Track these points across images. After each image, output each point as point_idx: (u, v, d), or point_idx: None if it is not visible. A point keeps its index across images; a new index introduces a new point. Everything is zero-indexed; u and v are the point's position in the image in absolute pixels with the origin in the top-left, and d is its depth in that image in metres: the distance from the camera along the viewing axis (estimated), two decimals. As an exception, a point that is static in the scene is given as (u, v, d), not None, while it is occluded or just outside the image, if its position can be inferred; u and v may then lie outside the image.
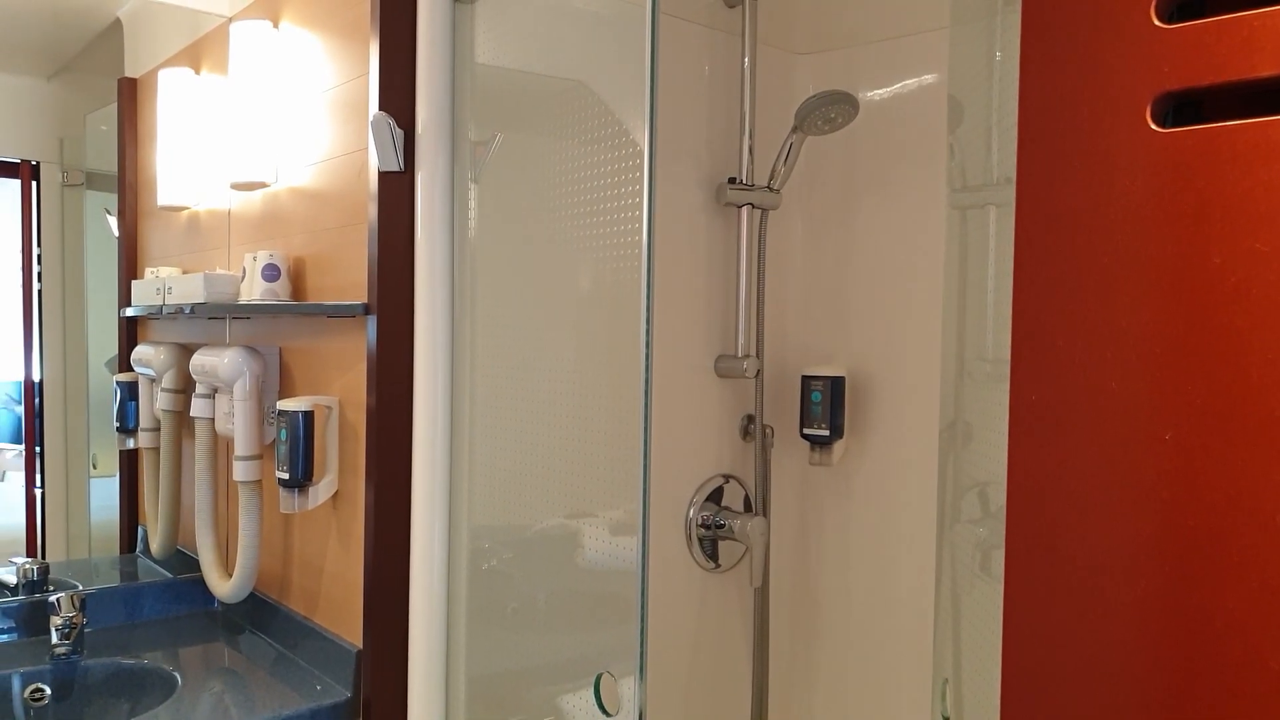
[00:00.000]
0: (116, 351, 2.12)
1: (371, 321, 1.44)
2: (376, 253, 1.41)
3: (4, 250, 1.98)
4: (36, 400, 2.03)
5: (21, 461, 2.01)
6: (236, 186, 1.71)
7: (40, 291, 2.05)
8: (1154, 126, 0.61)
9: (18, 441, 2.01)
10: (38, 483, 2.00)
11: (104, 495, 2.07)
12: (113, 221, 2.13)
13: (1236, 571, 0.56)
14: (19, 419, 2.01)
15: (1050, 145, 0.66)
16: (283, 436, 1.53)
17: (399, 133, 1.38)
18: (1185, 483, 0.58)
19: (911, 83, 1.65)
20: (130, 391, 2.05)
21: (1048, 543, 0.64)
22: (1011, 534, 0.64)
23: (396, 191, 1.41)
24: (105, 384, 2.07)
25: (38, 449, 2.01)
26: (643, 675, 1.10)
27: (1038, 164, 0.66)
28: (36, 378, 2.05)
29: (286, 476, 1.53)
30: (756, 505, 1.74)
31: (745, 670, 1.78)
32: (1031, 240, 0.65)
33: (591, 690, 1.15)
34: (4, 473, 2.02)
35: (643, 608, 1.10)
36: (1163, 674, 0.59)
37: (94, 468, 2.11)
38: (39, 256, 2.05)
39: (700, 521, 1.72)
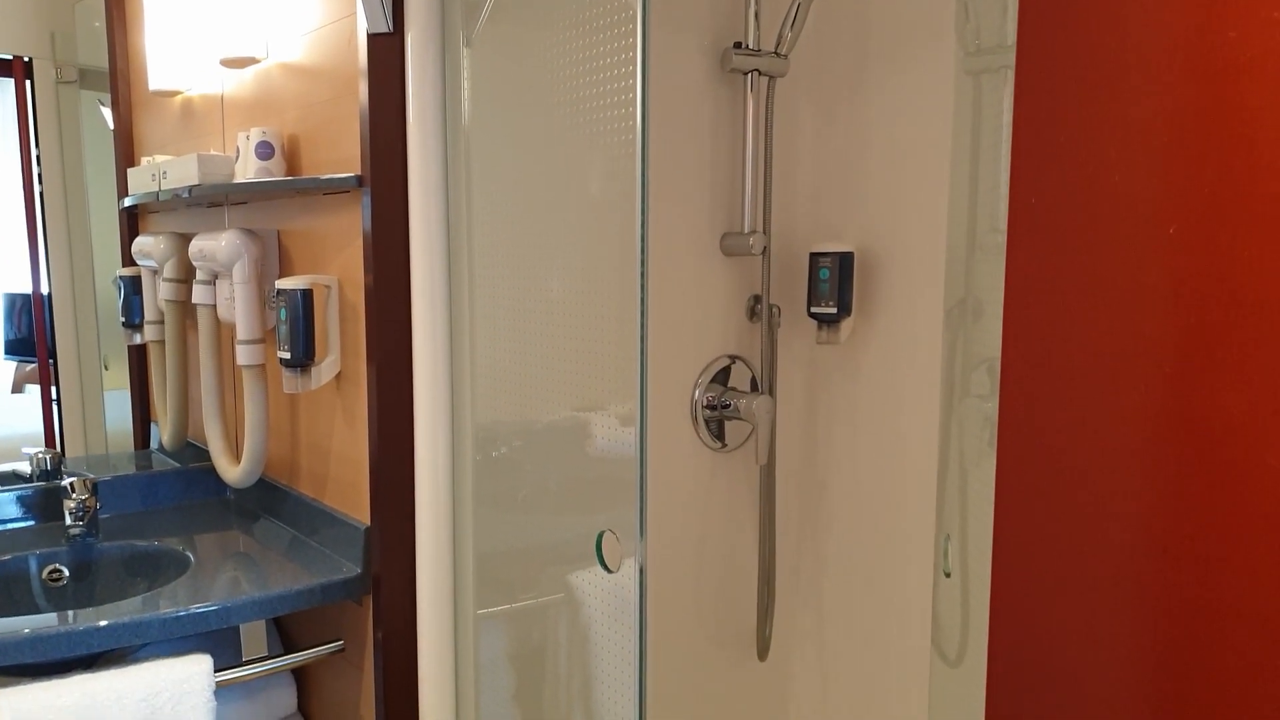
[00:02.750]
0: (120, 249, 2.11)
1: (366, 195, 1.41)
2: (368, 119, 1.37)
3: (4, 154, 1.95)
4: (46, 312, 2.03)
5: (38, 373, 2.01)
6: (226, 63, 1.67)
7: (42, 194, 2.02)
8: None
9: (31, 355, 2.01)
10: (53, 394, 2.01)
11: (119, 404, 2.08)
12: (107, 114, 2.09)
13: (1237, 367, 0.53)
14: (31, 331, 2.01)
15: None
16: (282, 316, 1.52)
17: (386, -6, 1.33)
18: (1188, 277, 0.55)
19: (925, -61, 1.56)
20: (134, 286, 2.05)
21: (1043, 352, 0.61)
22: (1007, 343, 0.61)
23: (387, 55, 1.36)
24: (112, 292, 2.06)
25: (51, 361, 2.01)
26: (643, 533, 1.10)
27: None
28: (45, 290, 2.04)
29: (288, 356, 1.52)
30: (763, 385, 1.72)
31: (752, 547, 1.79)
32: (1037, 43, 0.61)
33: (594, 548, 1.16)
34: (24, 386, 2.03)
35: (642, 466, 1.09)
36: (1161, 506, 0.57)
37: (105, 369, 2.11)
38: (38, 157, 2.02)
39: (706, 402, 1.71)
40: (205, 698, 1.36)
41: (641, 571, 1.08)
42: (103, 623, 1.31)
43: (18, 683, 1.30)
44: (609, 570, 1.13)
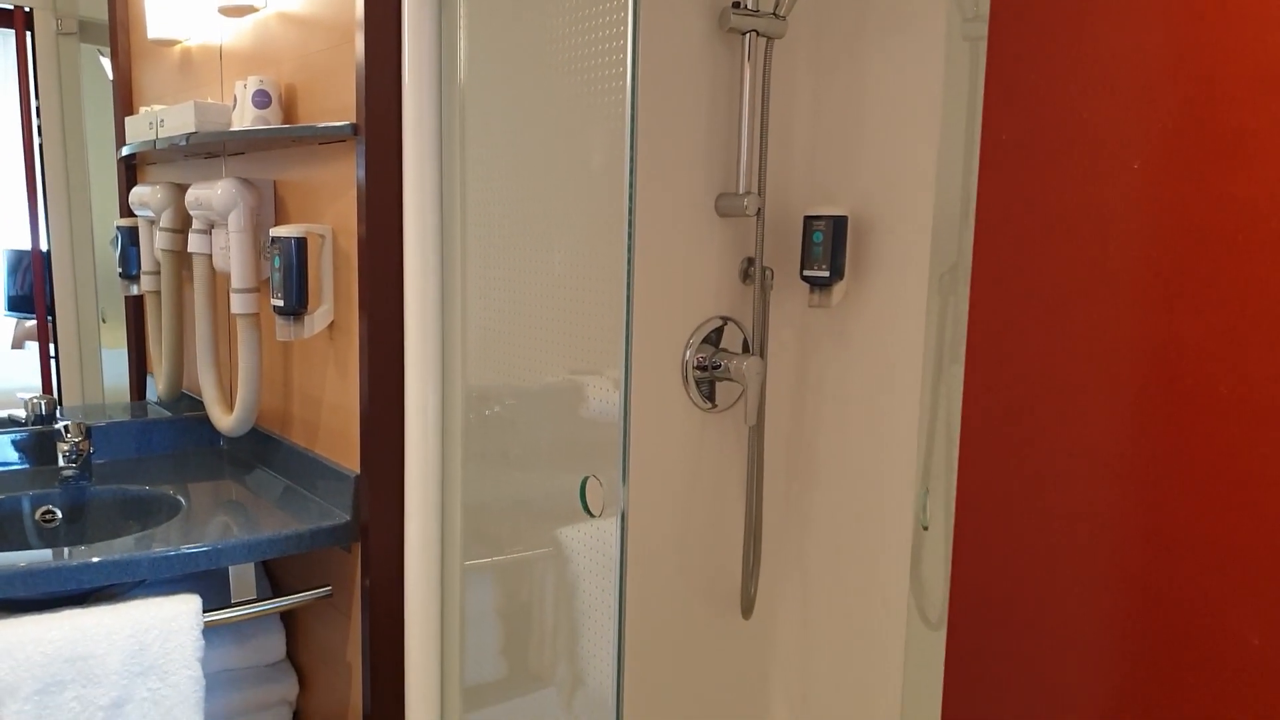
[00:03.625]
0: (118, 202, 2.11)
1: (360, 145, 1.41)
2: (364, 69, 1.37)
3: (4, 107, 1.95)
4: (46, 269, 2.03)
5: (37, 329, 2.02)
6: (225, 11, 1.66)
7: (41, 148, 2.02)
8: None
9: (32, 311, 2.02)
10: (52, 351, 2.02)
11: (116, 362, 2.10)
12: (107, 64, 2.09)
13: (1210, 294, 0.54)
14: (32, 288, 2.01)
15: None
16: (276, 264, 1.53)
17: (384, -59, 1.32)
18: (1152, 214, 0.55)
19: (928, -99, 1.56)
20: (131, 237, 2.05)
21: (1006, 285, 0.62)
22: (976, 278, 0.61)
23: (384, 6, 1.36)
24: (111, 248, 2.07)
25: (50, 318, 2.02)
26: (625, 479, 1.11)
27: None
28: (45, 247, 2.04)
29: (281, 303, 1.53)
30: (754, 347, 1.73)
31: (740, 507, 1.80)
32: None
33: (578, 493, 1.17)
34: (24, 342, 2.04)
35: (625, 415, 1.10)
36: (1125, 459, 0.58)
37: (103, 322, 2.12)
38: (38, 109, 2.02)
39: (696, 363, 1.71)
40: (193, 636, 1.38)
41: (623, 517, 1.10)
42: (94, 559, 1.33)
43: (8, 618, 1.32)
44: (591, 515, 1.15)
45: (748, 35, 1.62)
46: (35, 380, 1.98)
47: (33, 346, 2.04)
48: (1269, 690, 0.56)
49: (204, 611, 1.41)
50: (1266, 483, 0.54)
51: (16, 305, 2.02)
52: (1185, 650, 0.59)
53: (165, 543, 1.40)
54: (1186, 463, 0.58)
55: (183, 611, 1.38)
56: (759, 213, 1.67)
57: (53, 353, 2.03)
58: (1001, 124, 0.62)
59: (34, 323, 2.02)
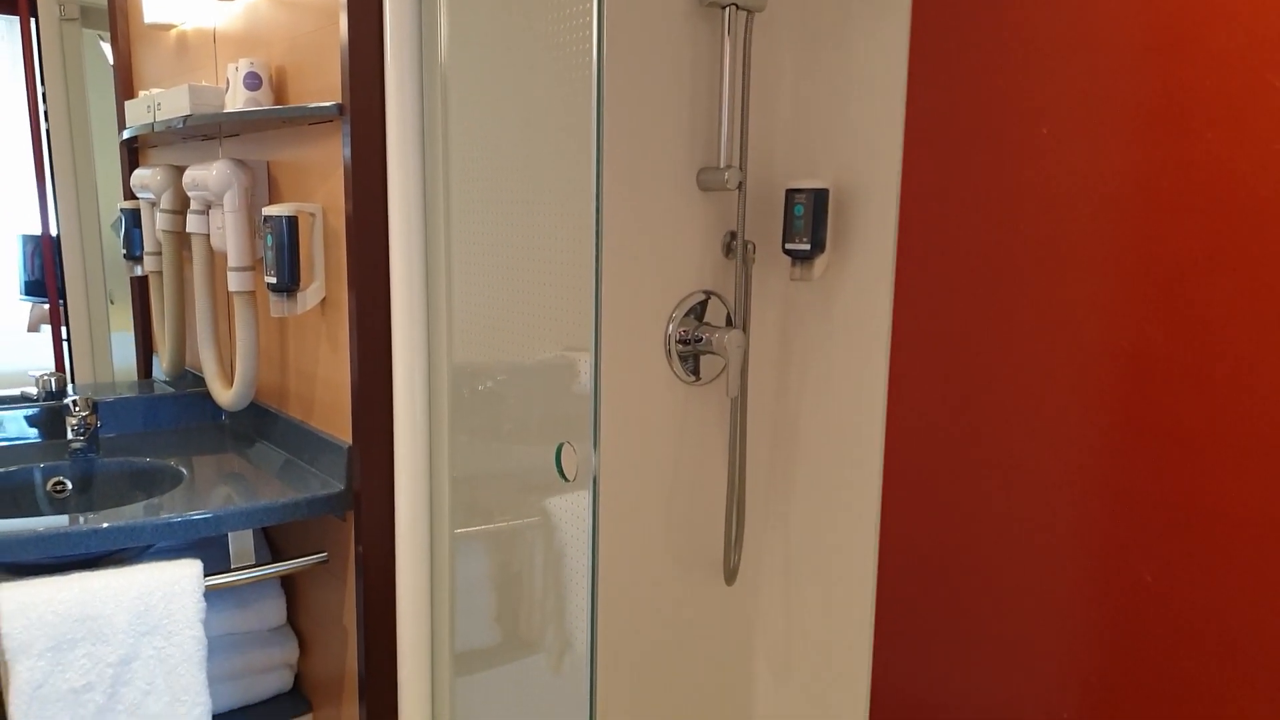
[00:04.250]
0: (121, 185, 2.17)
1: (346, 124, 1.46)
2: (348, 50, 1.42)
3: (10, 93, 2.00)
4: (56, 253, 2.09)
5: (48, 312, 2.09)
6: (216, -4, 1.71)
7: (48, 133, 2.08)
8: None
9: (42, 295, 2.08)
10: (64, 334, 2.08)
11: (125, 344, 2.16)
12: (107, 49, 2.14)
13: (1099, 256, 0.58)
14: (41, 273, 2.08)
15: None
16: (269, 242, 1.58)
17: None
18: (1057, 173, 0.59)
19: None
20: (134, 219, 2.11)
21: (929, 247, 0.66)
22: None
23: (364, -13, 1.41)
24: (113, 233, 2.13)
25: (61, 301, 2.08)
26: (596, 446, 1.16)
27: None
28: (54, 231, 2.10)
29: (274, 280, 1.58)
30: (736, 320, 1.77)
31: (724, 477, 1.85)
32: None
33: (554, 459, 1.22)
34: (39, 326, 2.11)
35: (595, 381, 1.15)
36: (1046, 403, 0.61)
37: (111, 303, 2.19)
38: (44, 95, 2.08)
39: (679, 336, 1.76)
40: (195, 598, 1.44)
41: (594, 481, 1.15)
42: (103, 525, 1.39)
43: (22, 580, 1.38)
44: (566, 479, 1.20)
45: (727, 9, 1.65)
46: (50, 362, 2.05)
47: (48, 330, 2.10)
48: (1160, 622, 0.61)
49: (205, 576, 1.48)
50: (1161, 433, 0.57)
51: (32, 290, 2.09)
52: (1088, 586, 0.63)
53: (169, 510, 1.46)
54: (1091, 412, 0.62)
55: (185, 575, 1.45)
56: (740, 186, 1.70)
57: (65, 335, 2.10)
58: (923, 94, 0.66)
59: (48, 306, 2.08)
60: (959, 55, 0.64)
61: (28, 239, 2.06)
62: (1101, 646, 0.64)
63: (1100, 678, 0.63)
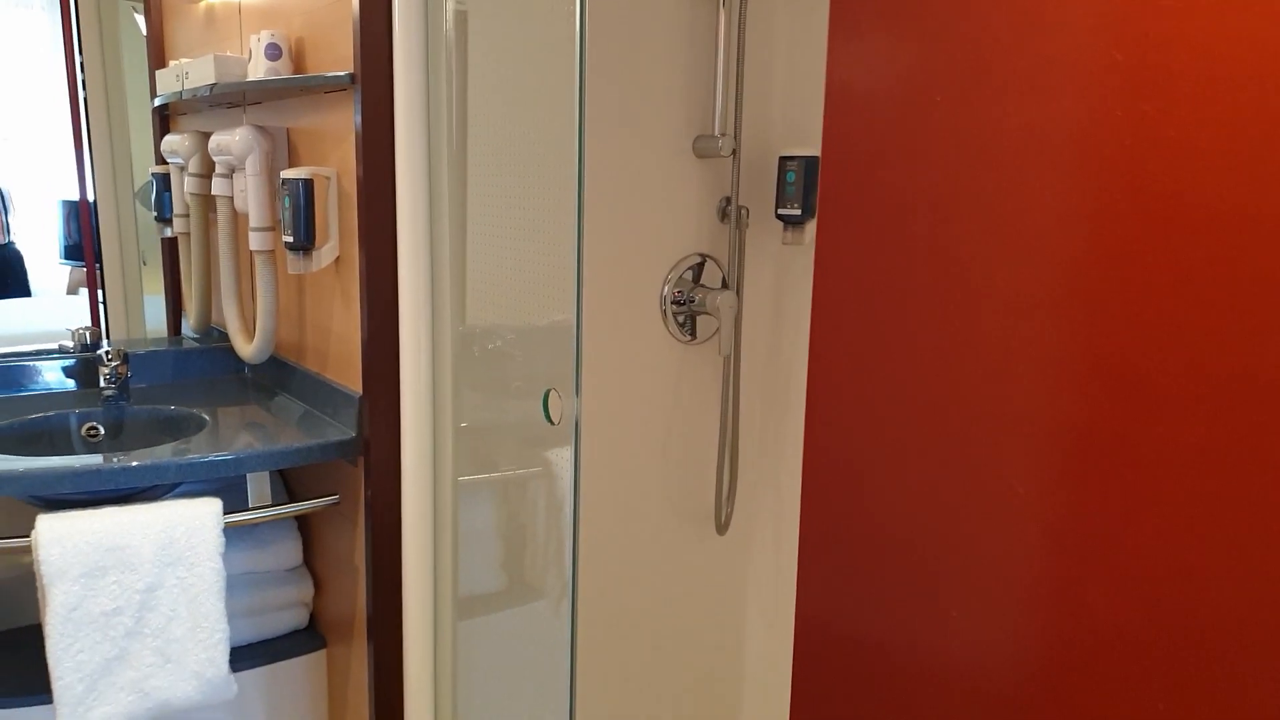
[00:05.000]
0: (154, 151, 2.28)
1: (357, 93, 1.55)
2: (359, 22, 1.50)
3: (50, 64, 2.11)
4: (93, 218, 2.21)
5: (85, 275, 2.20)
6: (238, -30, 1.80)
7: (86, 101, 2.19)
8: None
9: (80, 259, 2.20)
10: (100, 297, 2.20)
11: (156, 306, 2.28)
12: (141, 21, 2.25)
13: (987, 209, 0.65)
14: (79, 237, 2.19)
15: None
16: (286, 204, 1.68)
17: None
18: (956, 143, 0.66)
19: None
20: (164, 182, 2.22)
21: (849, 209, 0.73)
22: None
23: (373, -40, 1.49)
24: (148, 194, 2.24)
25: (98, 266, 2.20)
26: (578, 392, 1.25)
27: None
28: (90, 198, 2.22)
29: (291, 239, 1.68)
30: (730, 282, 1.85)
31: (717, 434, 1.94)
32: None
33: (541, 403, 1.31)
34: (78, 289, 2.23)
35: (578, 330, 1.23)
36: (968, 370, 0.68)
37: (144, 264, 2.31)
38: (82, 65, 2.19)
39: (674, 298, 1.84)
40: (215, 533, 1.56)
41: (576, 424, 1.24)
42: (132, 463, 1.51)
43: (59, 513, 1.51)
44: (551, 422, 1.29)
45: (722, -15, 1.72)
46: (87, 323, 2.17)
47: (85, 293, 2.22)
48: (1031, 531, 0.68)
49: (225, 514, 1.59)
50: (1025, 366, 0.64)
51: (72, 254, 2.21)
52: (969, 500, 0.71)
53: (193, 452, 1.57)
54: (958, 349, 0.69)
55: (206, 511, 1.56)
56: (734, 153, 1.77)
57: (100, 298, 2.22)
58: (842, 64, 0.73)
59: (86, 270, 2.20)
60: (877, 26, 0.71)
61: (67, 204, 2.18)
62: (981, 555, 0.71)
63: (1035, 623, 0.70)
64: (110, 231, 2.24)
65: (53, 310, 2.15)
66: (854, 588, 0.85)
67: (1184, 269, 0.59)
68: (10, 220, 2.14)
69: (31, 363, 1.96)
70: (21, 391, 1.95)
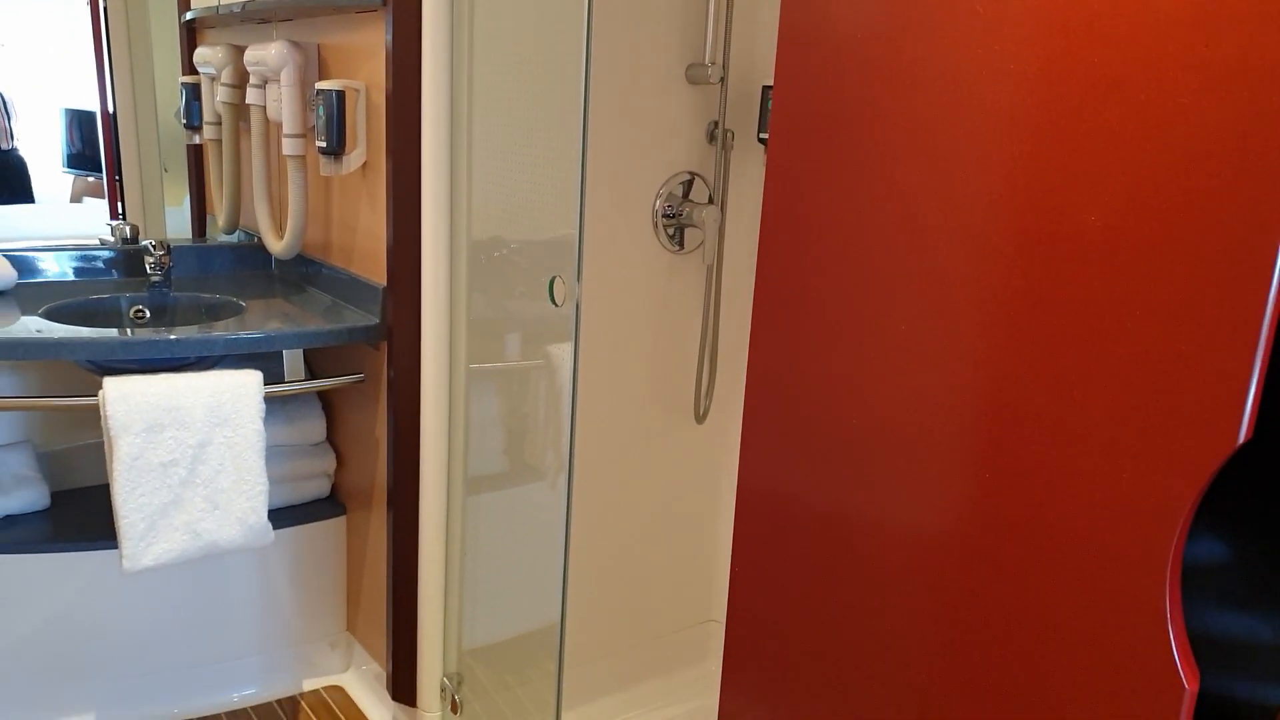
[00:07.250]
0: (180, 62, 2.43)
1: (389, 15, 1.73)
2: (390, -52, 1.68)
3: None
4: (113, 129, 2.33)
5: (101, 186, 2.31)
6: (275, -106, 1.96)
7: (106, 11, 2.32)
8: None
9: (89, 168, 2.31)
10: (119, 210, 2.34)
11: (175, 217, 2.42)
12: (170, -64, 2.39)
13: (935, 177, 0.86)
14: (86, 145, 2.30)
15: None
16: (320, 113, 1.87)
17: None
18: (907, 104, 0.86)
19: None
20: (194, 92, 2.39)
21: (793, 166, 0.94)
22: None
23: (406, -107, 1.66)
24: (172, 105, 2.36)
25: (117, 178, 2.33)
26: (579, 276, 1.47)
27: None
28: (110, 109, 2.35)
29: (324, 144, 1.87)
30: (716, 198, 2.06)
31: (699, 336, 2.17)
32: None
33: (547, 289, 1.53)
34: (82, 197, 2.37)
35: (580, 227, 1.45)
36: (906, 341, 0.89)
37: (165, 171, 2.48)
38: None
39: (664, 211, 2.05)
40: (257, 399, 1.78)
41: (577, 306, 1.46)
42: (184, 337, 1.72)
43: (122, 376, 1.72)
44: (555, 304, 1.51)
45: (717, -75, 1.90)
46: (94, 232, 2.28)
47: (90, 201, 2.36)
48: (960, 401, 0.91)
49: (265, 385, 1.81)
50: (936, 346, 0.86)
51: (75, 162, 2.34)
52: (882, 444, 0.93)
53: (235, 330, 1.79)
54: (885, 326, 0.91)
55: (248, 380, 1.78)
56: (722, 81, 1.97)
57: (120, 208, 2.35)
58: (794, 21, 0.93)
59: (93, 179, 2.32)
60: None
61: (70, 113, 2.30)
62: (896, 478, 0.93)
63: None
64: (129, 141, 2.40)
65: (57, 217, 2.25)
66: (789, 455, 1.06)
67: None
68: (13, 126, 2.26)
69: (75, 253, 2.16)
70: (67, 279, 2.15)
